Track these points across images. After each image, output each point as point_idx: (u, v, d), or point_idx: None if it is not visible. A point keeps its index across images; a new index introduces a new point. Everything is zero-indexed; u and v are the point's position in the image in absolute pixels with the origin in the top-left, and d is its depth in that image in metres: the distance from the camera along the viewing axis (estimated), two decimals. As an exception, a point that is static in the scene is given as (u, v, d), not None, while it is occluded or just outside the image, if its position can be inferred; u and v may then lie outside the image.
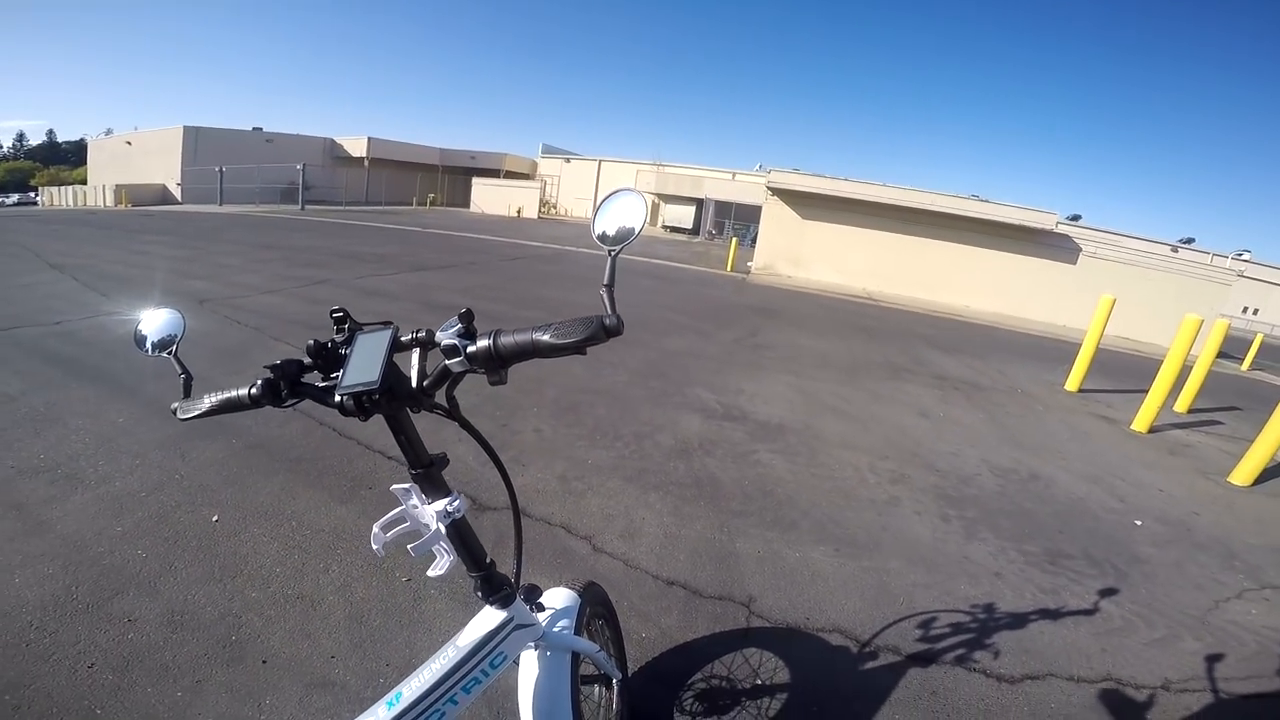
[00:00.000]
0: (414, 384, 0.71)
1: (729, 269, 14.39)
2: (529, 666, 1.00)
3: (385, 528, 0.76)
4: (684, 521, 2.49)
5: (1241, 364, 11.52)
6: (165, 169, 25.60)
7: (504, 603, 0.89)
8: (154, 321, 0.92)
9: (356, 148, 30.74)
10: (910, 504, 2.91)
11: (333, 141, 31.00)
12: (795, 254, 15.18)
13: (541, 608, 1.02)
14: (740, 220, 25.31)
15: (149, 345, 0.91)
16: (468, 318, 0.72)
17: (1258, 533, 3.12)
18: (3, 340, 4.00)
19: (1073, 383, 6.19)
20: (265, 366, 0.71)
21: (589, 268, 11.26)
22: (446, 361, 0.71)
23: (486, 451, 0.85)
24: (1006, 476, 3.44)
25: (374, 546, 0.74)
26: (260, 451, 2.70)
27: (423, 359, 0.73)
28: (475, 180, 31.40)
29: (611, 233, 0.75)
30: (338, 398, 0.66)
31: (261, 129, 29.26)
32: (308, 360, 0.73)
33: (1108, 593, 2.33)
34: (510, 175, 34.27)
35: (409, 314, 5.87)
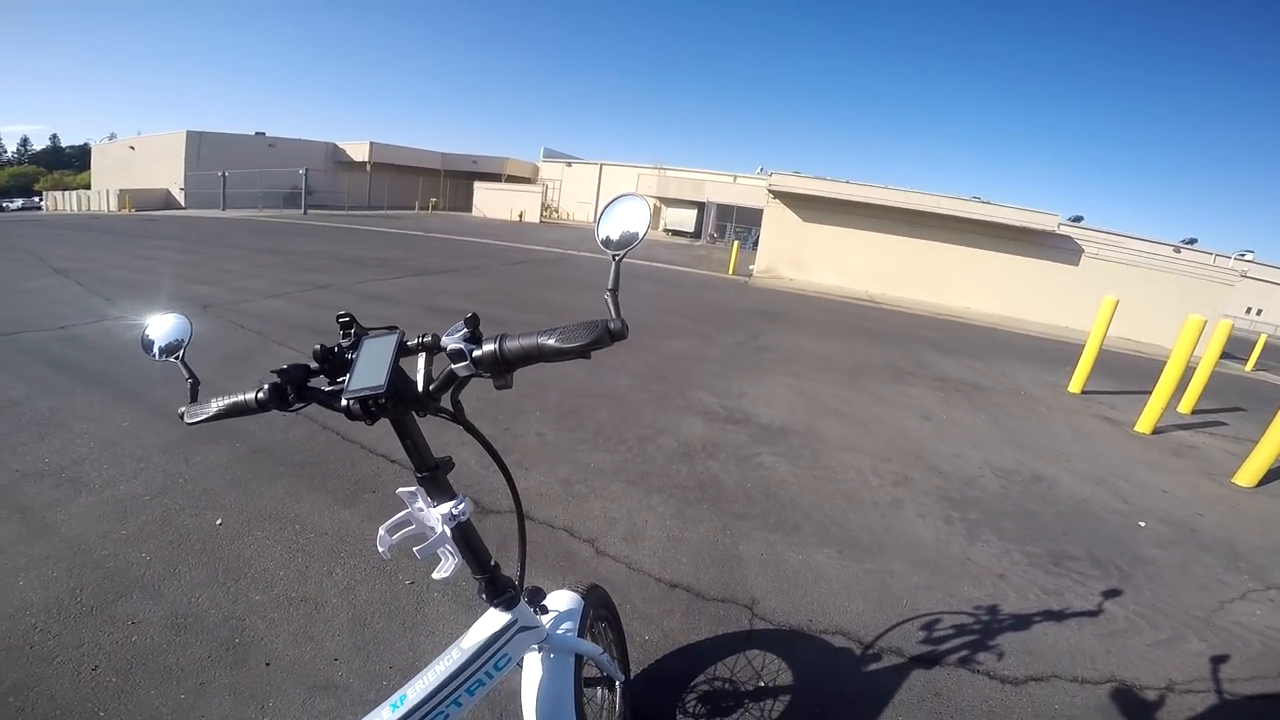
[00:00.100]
0: (420, 388, 0.72)
1: (731, 272, 14.40)
2: (532, 669, 1.00)
3: (391, 530, 0.77)
4: (687, 524, 2.49)
5: (1245, 365, 11.48)
6: (168, 174, 25.72)
7: (508, 605, 0.89)
8: (161, 326, 0.93)
9: (359, 152, 30.84)
10: (913, 506, 2.91)
11: (335, 146, 31.11)
12: (797, 257, 15.19)
13: (545, 610, 1.02)
14: (742, 223, 25.32)
15: (156, 350, 0.91)
16: (473, 322, 0.73)
17: (1262, 533, 3.11)
18: (7, 345, 4.02)
19: (1075, 384, 6.17)
20: (272, 371, 0.71)
21: (591, 272, 11.28)
22: (452, 366, 0.72)
23: (491, 455, 0.85)
24: (1009, 478, 3.43)
25: (380, 549, 0.74)
26: (264, 456, 2.71)
27: (428, 363, 0.74)
28: (477, 184, 31.49)
29: (615, 238, 0.76)
30: (344, 402, 0.66)
31: (264, 133, 29.39)
32: (314, 365, 0.73)
33: (1112, 594, 2.32)
34: (512, 179, 34.34)
35: (412, 319, 5.88)
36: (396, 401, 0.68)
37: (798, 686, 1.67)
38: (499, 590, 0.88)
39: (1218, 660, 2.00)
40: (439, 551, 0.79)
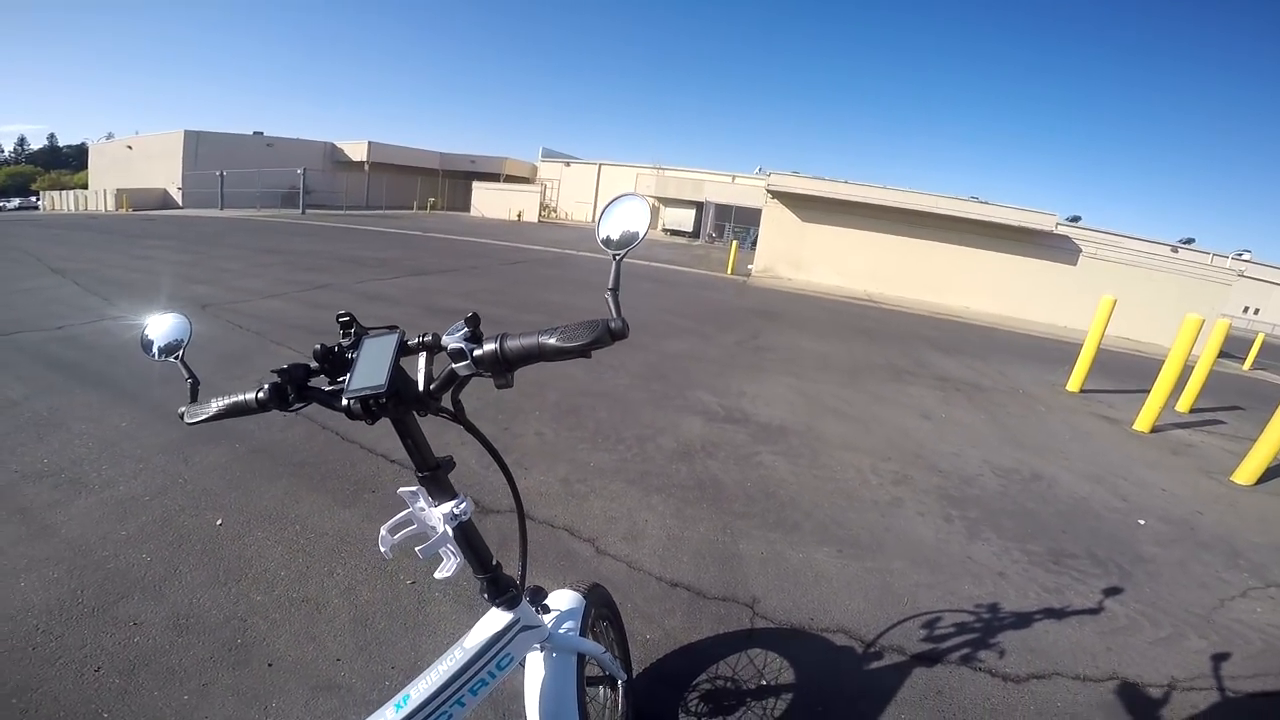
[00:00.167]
0: (420, 387, 0.71)
1: (729, 272, 14.41)
2: (535, 668, 1.00)
3: (392, 530, 0.77)
4: (687, 523, 2.49)
5: (1243, 364, 11.51)
6: (166, 173, 25.67)
7: (510, 605, 0.89)
8: (160, 326, 0.93)
9: (357, 152, 30.81)
10: (913, 505, 2.91)
11: (333, 146, 31.08)
12: (795, 256, 15.20)
13: (547, 609, 1.02)
14: (740, 223, 25.33)
15: (155, 350, 0.91)
16: (474, 322, 0.73)
17: (1261, 531, 3.12)
18: (5, 345, 4.01)
19: (1074, 383, 6.18)
20: (272, 371, 0.71)
21: (590, 271, 11.28)
22: (453, 365, 0.72)
23: (491, 454, 0.85)
24: (1009, 477, 3.44)
25: (381, 549, 0.74)
26: (263, 456, 2.71)
27: (429, 363, 0.74)
28: (475, 184, 31.47)
29: (616, 237, 0.76)
30: (345, 401, 0.66)
31: (262, 133, 29.37)
32: (314, 364, 0.73)
33: (1112, 592, 2.33)
34: (510, 179, 34.33)
35: (411, 318, 5.87)
36: (397, 401, 0.68)
37: (799, 685, 1.67)
38: (501, 590, 0.88)
39: (1219, 658, 2.00)
40: (441, 551, 0.79)
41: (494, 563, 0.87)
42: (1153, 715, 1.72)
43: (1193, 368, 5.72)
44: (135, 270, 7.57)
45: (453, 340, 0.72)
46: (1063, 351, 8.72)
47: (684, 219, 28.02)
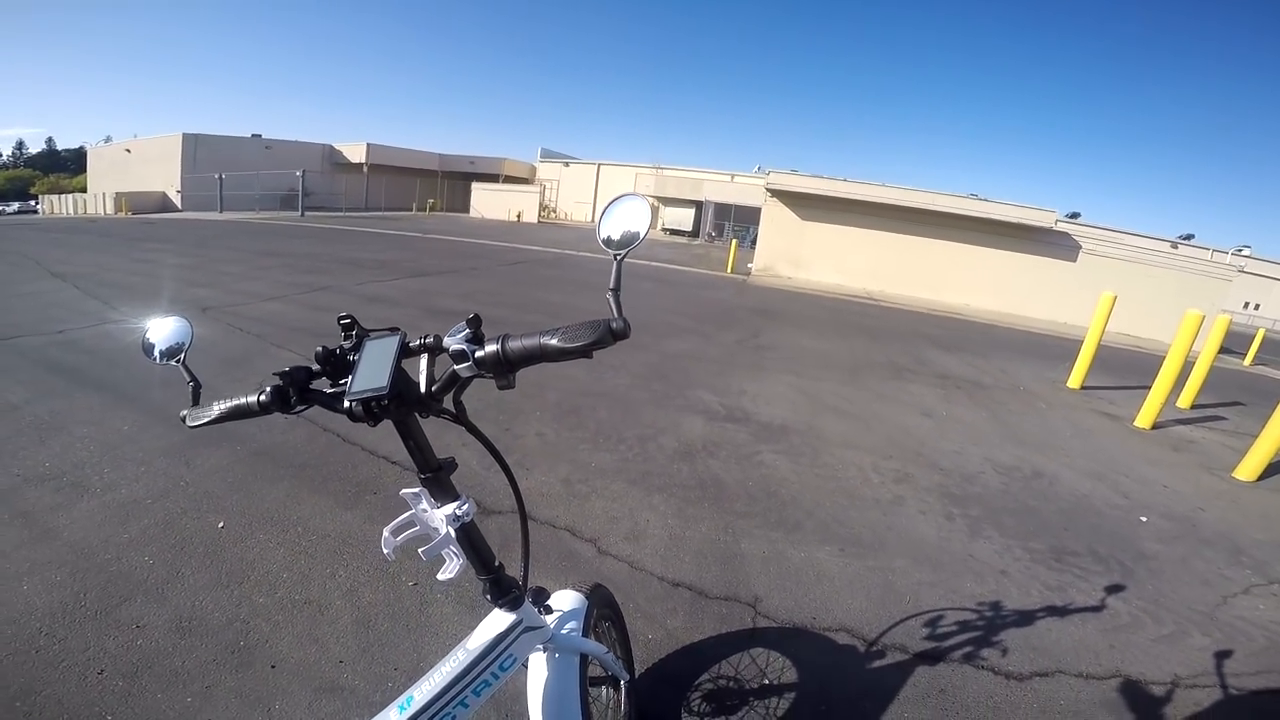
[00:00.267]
0: (422, 389, 0.72)
1: (729, 271, 14.41)
2: (538, 669, 1.00)
3: (395, 532, 0.77)
4: (688, 523, 2.49)
5: (1244, 359, 11.50)
6: (165, 176, 25.68)
7: (513, 605, 0.89)
8: (162, 330, 0.93)
9: (356, 154, 30.81)
10: (914, 503, 2.91)
11: (332, 148, 31.07)
12: (795, 255, 15.19)
13: (549, 610, 1.02)
14: (740, 222, 25.32)
15: (157, 354, 0.91)
16: (475, 323, 0.73)
17: (1264, 528, 3.12)
18: (6, 349, 4.01)
19: (1075, 380, 6.18)
20: (274, 374, 0.71)
21: (590, 272, 11.28)
22: (455, 367, 0.72)
23: (493, 455, 0.85)
24: (1010, 474, 3.44)
25: (384, 551, 0.75)
26: (265, 458, 2.71)
27: (431, 364, 0.74)
28: (474, 185, 31.46)
29: (617, 237, 0.76)
30: (347, 403, 0.66)
31: (261, 136, 29.35)
32: (316, 367, 0.73)
33: (1114, 589, 2.33)
34: (509, 180, 34.33)
35: (411, 320, 5.88)
36: (399, 403, 0.68)
37: (802, 684, 1.67)
38: (503, 591, 0.88)
39: (1221, 655, 2.00)
40: (444, 553, 0.80)
41: (496, 564, 0.87)
42: (1156, 713, 1.72)
43: (1193, 364, 5.72)
44: (135, 274, 7.58)
45: (454, 342, 0.72)
46: (1063, 348, 8.72)
47: (683, 218, 28.02)
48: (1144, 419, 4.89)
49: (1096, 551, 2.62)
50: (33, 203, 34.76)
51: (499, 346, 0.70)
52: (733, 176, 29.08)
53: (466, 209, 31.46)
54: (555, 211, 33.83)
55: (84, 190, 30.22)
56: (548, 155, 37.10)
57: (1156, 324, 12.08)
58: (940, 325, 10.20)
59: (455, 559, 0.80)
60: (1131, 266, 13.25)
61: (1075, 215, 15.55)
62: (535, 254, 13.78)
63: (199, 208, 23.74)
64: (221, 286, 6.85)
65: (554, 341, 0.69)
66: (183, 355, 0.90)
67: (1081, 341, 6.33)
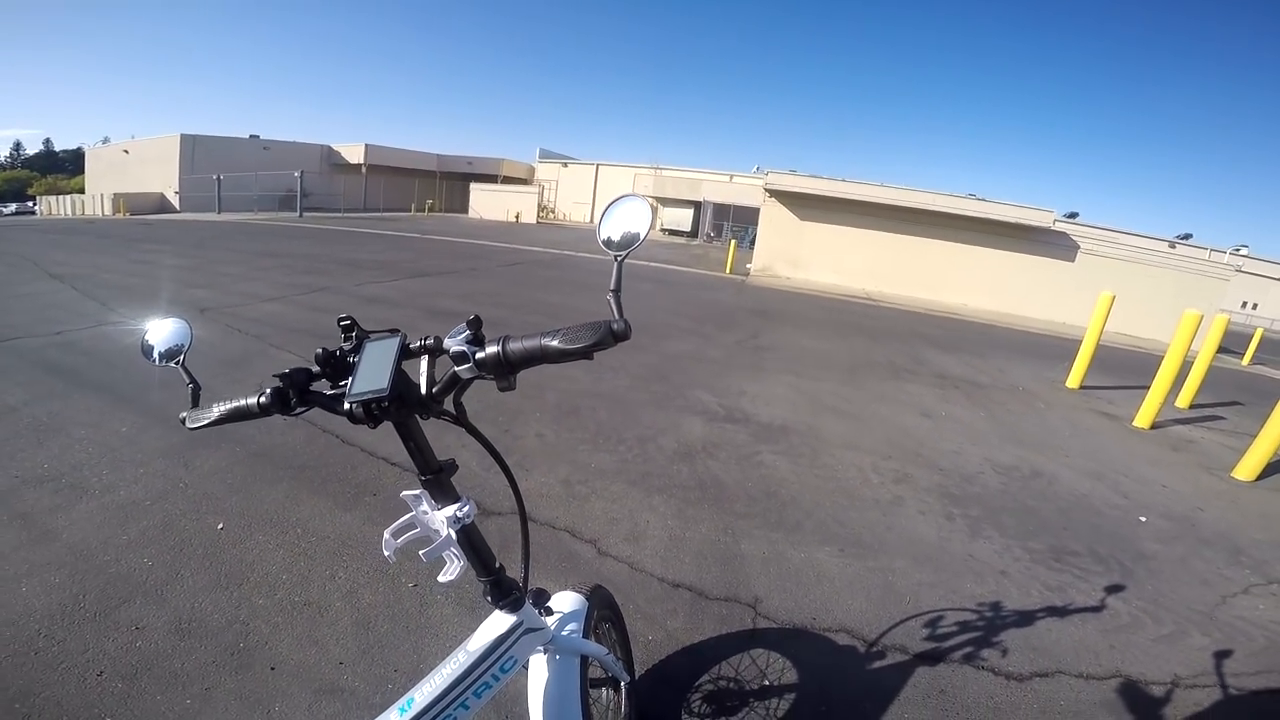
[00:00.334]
0: (423, 391, 0.71)
1: (728, 271, 14.41)
2: (538, 670, 1.00)
3: (396, 534, 0.76)
4: (688, 524, 2.49)
5: (1242, 359, 11.52)
6: (163, 177, 25.64)
7: (513, 607, 0.89)
8: (161, 331, 0.92)
9: (354, 154, 30.77)
10: (914, 503, 2.91)
11: (330, 148, 31.03)
12: (794, 255, 15.20)
13: (549, 612, 1.02)
14: (738, 222, 25.32)
15: (156, 355, 0.91)
16: (475, 324, 0.73)
17: (1263, 527, 3.12)
18: (4, 351, 4.00)
19: (1073, 380, 6.19)
20: (274, 375, 0.71)
21: (589, 272, 11.28)
22: (455, 368, 0.72)
23: (493, 456, 0.85)
24: (1009, 474, 3.44)
25: (385, 553, 0.74)
26: (264, 459, 2.71)
27: (431, 366, 0.73)
28: (473, 186, 31.44)
29: (617, 238, 0.76)
30: (347, 405, 0.66)
31: (259, 136, 29.33)
32: (316, 368, 0.73)
33: (1114, 589, 2.33)
34: (508, 180, 34.30)
35: (411, 320, 5.87)
36: (399, 404, 0.68)
37: (802, 685, 1.67)
38: (504, 592, 0.88)
39: (1221, 655, 2.00)
40: (444, 554, 0.79)
41: (497, 565, 0.87)
42: (1156, 713, 1.72)
43: (1192, 363, 5.73)
44: (133, 275, 7.56)
45: (455, 343, 0.72)
46: (1061, 348, 8.73)
47: (682, 218, 28.02)
48: (1143, 419, 4.90)
49: (1096, 551, 2.62)
50: (30, 204, 34.70)
51: (500, 348, 0.70)
52: (731, 177, 29.09)
53: (465, 210, 31.44)
54: (554, 212, 33.82)
55: (82, 191, 30.17)
56: (546, 156, 37.09)
57: (1155, 323, 12.10)
58: (939, 325, 10.21)
59: (456, 561, 0.80)
60: (1130, 266, 13.27)
61: (1073, 215, 15.55)
62: (534, 255, 13.78)
63: (197, 209, 23.70)
64: (220, 287, 6.84)
65: (555, 343, 0.69)
66: (182, 357, 0.90)
67: (1080, 341, 6.34)
